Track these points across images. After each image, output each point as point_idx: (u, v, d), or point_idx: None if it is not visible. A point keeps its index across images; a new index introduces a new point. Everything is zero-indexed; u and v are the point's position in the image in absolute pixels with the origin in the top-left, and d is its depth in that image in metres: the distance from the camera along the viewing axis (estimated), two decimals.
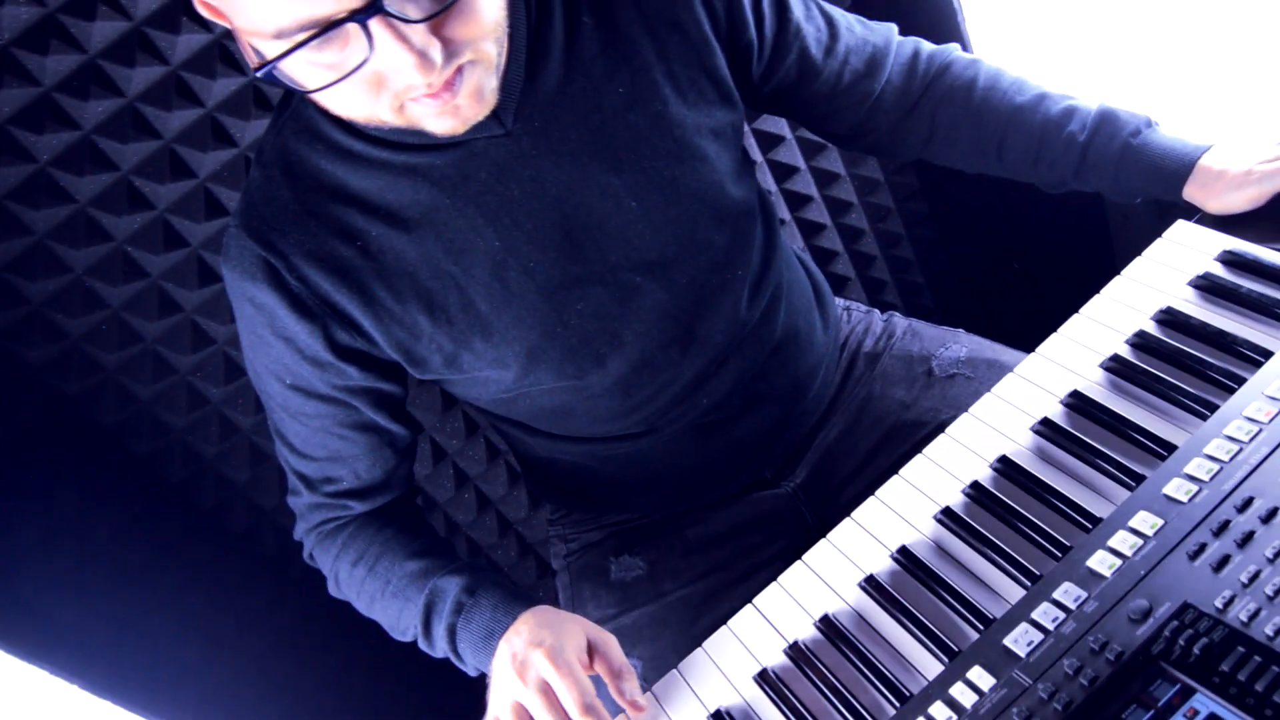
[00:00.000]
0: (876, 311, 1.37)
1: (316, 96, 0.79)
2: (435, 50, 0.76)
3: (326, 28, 0.71)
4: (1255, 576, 0.71)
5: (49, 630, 1.29)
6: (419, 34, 0.75)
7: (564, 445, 1.18)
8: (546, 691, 0.88)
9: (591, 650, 0.93)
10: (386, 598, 1.03)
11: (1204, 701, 0.67)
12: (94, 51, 1.20)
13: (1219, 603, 0.71)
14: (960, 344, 1.28)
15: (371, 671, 1.68)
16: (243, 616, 1.57)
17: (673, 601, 1.20)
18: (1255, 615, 0.69)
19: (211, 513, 1.50)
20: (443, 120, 0.83)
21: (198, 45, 1.25)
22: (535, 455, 1.25)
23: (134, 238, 1.30)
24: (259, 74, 0.75)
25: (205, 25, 1.25)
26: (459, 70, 0.80)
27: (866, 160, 1.74)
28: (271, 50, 0.74)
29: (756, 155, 1.66)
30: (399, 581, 1.02)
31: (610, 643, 0.94)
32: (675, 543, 1.24)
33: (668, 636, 1.17)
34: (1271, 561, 0.72)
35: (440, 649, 1.00)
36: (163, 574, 1.45)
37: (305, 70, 0.76)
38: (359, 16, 0.71)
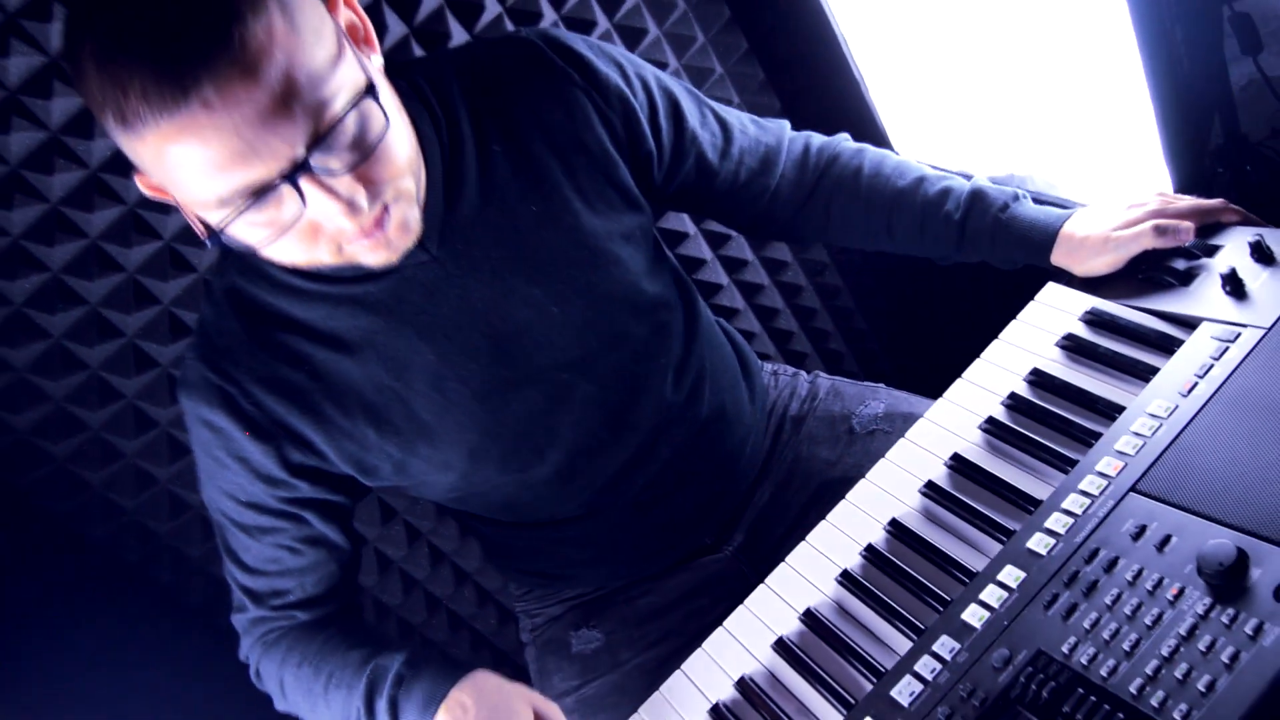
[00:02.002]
0: (803, 373, 1.46)
1: (263, 253, 0.88)
2: (360, 196, 0.85)
3: (262, 191, 0.80)
4: (1096, 623, 0.80)
5: None
6: (344, 184, 0.84)
7: (516, 531, 1.27)
8: None
9: (537, 718, 0.98)
10: (330, 689, 1.04)
11: None
12: (55, 200, 1.31)
13: (1065, 649, 0.80)
14: (879, 400, 1.37)
15: None
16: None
17: (630, 670, 1.27)
18: (1094, 659, 0.78)
19: (201, 610, 1.60)
20: (377, 254, 0.92)
21: None
22: (494, 541, 1.34)
23: (107, 363, 1.41)
24: (209, 242, 0.84)
25: None
26: (385, 208, 0.89)
27: None
28: (215, 217, 0.82)
29: (690, 227, 1.76)
30: (341, 672, 1.04)
31: (552, 712, 0.99)
32: (629, 613, 1.32)
33: (627, 705, 1.22)
34: (1110, 609, 0.80)
35: None
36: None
37: (246, 230, 0.85)
38: (289, 177, 0.80)
